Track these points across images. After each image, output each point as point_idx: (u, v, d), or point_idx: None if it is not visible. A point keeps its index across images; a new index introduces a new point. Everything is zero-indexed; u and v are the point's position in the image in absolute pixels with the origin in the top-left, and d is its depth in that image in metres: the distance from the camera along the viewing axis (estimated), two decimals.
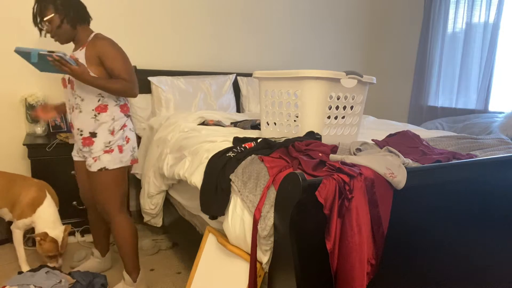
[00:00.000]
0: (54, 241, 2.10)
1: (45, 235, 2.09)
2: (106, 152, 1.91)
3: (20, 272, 1.99)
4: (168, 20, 3.28)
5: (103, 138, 1.90)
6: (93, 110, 1.88)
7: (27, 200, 2.16)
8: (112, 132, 1.91)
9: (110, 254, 2.36)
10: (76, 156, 2.11)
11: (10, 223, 2.27)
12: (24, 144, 2.56)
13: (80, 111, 1.88)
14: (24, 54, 1.64)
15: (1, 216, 2.26)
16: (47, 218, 2.16)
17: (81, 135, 1.91)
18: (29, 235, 2.11)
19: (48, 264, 2.09)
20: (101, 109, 1.89)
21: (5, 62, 2.77)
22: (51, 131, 2.89)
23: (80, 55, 1.84)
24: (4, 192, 2.20)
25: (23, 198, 2.16)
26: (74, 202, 2.73)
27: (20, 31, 2.77)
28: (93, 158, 1.91)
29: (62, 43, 1.89)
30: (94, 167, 1.91)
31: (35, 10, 1.78)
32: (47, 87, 2.91)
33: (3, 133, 2.84)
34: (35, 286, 1.85)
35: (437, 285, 1.56)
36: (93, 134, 1.90)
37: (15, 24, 2.75)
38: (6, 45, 2.75)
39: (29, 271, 1.98)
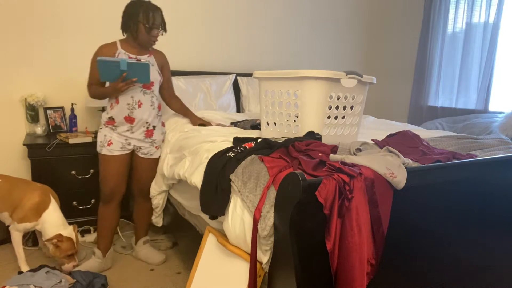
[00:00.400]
0: (70, 239, 2.12)
1: (60, 236, 2.10)
2: (163, 141, 2.35)
3: (20, 272, 1.99)
4: (168, 20, 3.27)
5: (160, 130, 2.31)
6: (157, 107, 2.25)
7: (30, 205, 2.15)
8: (163, 124, 2.37)
9: (111, 254, 2.37)
10: (118, 150, 2.20)
11: None
12: (24, 144, 2.56)
13: (154, 108, 2.22)
14: (109, 63, 1.96)
15: (1, 220, 2.25)
16: (54, 222, 2.16)
17: (147, 128, 2.23)
18: (46, 240, 2.13)
19: (66, 266, 2.11)
20: (160, 107, 2.29)
21: (5, 62, 2.77)
22: (51, 131, 2.89)
23: (151, 61, 2.22)
24: (6, 196, 2.17)
25: (26, 202, 2.15)
26: (74, 202, 2.73)
27: (20, 31, 2.77)
28: (155, 146, 2.30)
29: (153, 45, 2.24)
30: (156, 154, 2.32)
31: (162, 17, 2.16)
32: (47, 87, 2.92)
33: (3, 133, 2.84)
34: (35, 286, 1.85)
35: (437, 285, 1.56)
36: (154, 127, 2.26)
37: (15, 24, 2.75)
38: (6, 46, 2.75)
39: (29, 271, 1.98)
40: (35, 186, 2.23)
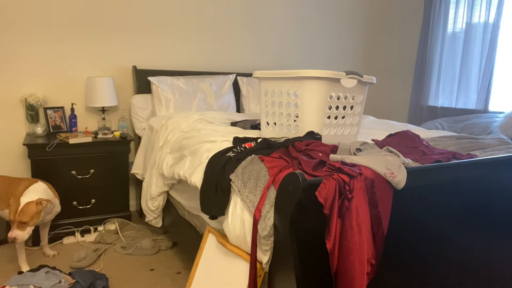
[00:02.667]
0: (31, 203, 2.10)
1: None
2: None
3: (20, 272, 1.99)
4: (168, 20, 3.28)
5: None
6: None
7: (18, 193, 2.21)
8: None
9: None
10: None
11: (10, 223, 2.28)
12: (24, 144, 2.56)
13: None
14: None
15: (4, 217, 2.31)
16: (31, 194, 2.16)
17: None
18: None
19: (14, 232, 2.06)
20: None
21: (6, 62, 2.77)
22: (51, 131, 2.89)
23: None
24: (3, 194, 2.24)
25: (17, 193, 2.22)
26: (74, 202, 2.73)
27: (20, 31, 2.77)
28: None
29: None
30: None
31: None
32: (47, 87, 2.92)
33: (3, 133, 2.84)
34: (34, 286, 1.85)
35: (438, 284, 1.56)
36: None
37: (15, 25, 2.75)
38: (6, 46, 2.75)
39: (29, 271, 1.98)
40: (27, 179, 2.30)
